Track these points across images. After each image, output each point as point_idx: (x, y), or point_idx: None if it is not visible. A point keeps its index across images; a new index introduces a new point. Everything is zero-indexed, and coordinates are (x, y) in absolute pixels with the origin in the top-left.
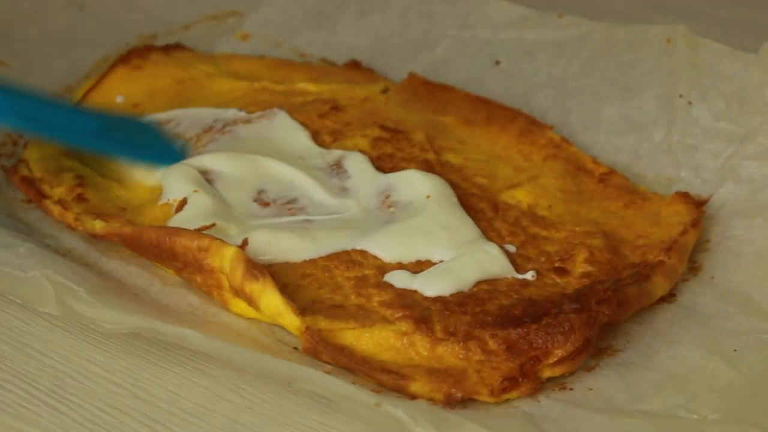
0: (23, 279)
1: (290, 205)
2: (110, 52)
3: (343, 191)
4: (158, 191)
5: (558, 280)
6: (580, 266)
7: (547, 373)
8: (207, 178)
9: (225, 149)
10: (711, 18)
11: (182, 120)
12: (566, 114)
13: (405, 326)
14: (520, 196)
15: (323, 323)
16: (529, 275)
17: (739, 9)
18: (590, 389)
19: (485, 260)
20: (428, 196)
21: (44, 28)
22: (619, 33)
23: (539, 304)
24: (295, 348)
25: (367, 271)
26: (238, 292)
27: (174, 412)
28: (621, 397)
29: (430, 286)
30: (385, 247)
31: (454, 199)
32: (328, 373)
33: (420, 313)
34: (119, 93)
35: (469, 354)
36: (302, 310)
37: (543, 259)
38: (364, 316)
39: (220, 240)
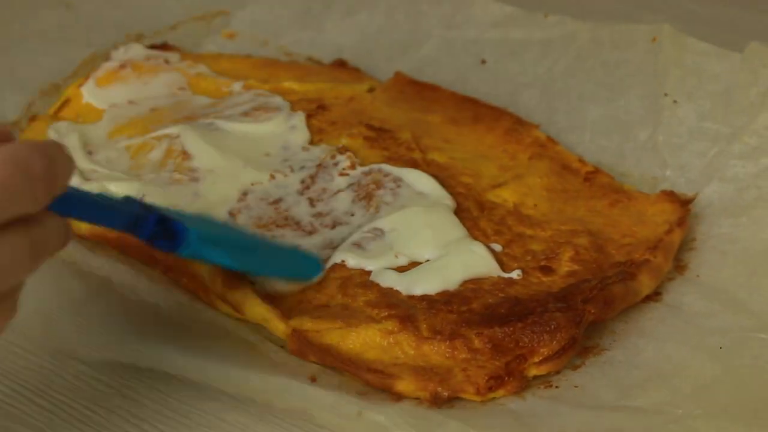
0: None
1: (275, 205)
2: (97, 50)
3: (327, 191)
4: None
5: (544, 278)
6: (565, 265)
7: (533, 371)
8: (194, 177)
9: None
10: (697, 17)
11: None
12: (552, 113)
13: (391, 325)
14: (506, 195)
15: (309, 324)
16: (515, 274)
17: (725, 7)
18: (576, 387)
19: (471, 259)
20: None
21: (31, 25)
22: (605, 32)
23: (525, 302)
24: (282, 346)
25: (353, 271)
26: (222, 299)
27: (162, 411)
28: (607, 394)
29: (416, 285)
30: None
31: (447, 201)
32: (313, 377)
33: (406, 311)
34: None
35: (455, 353)
36: (288, 311)
37: (529, 257)
38: (350, 316)
39: None
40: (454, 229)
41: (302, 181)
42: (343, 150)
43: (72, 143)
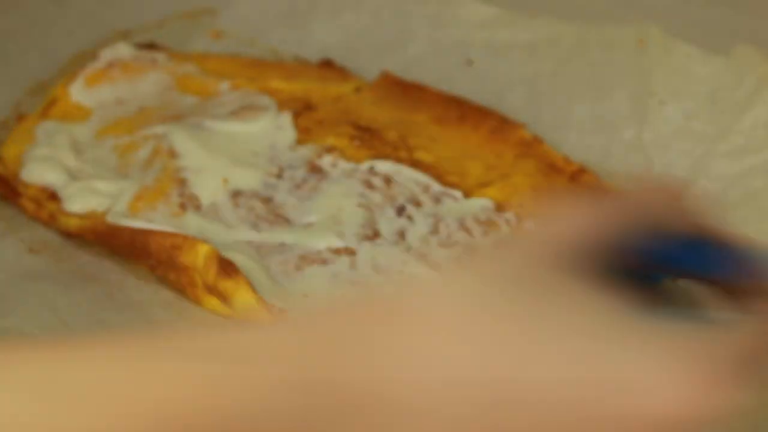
0: None
1: (263, 204)
2: (84, 47)
3: (317, 191)
4: None
5: None
6: None
7: None
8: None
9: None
10: (685, 18)
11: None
12: (538, 113)
13: None
14: (492, 194)
15: None
16: None
17: (712, 9)
18: None
19: None
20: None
21: (17, 21)
22: (592, 33)
23: None
24: None
25: None
26: (212, 290)
27: None
28: None
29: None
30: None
31: None
32: None
33: None
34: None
35: None
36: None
37: None
38: None
39: (193, 237)
40: None
41: (289, 180)
42: (330, 149)
43: (60, 143)
